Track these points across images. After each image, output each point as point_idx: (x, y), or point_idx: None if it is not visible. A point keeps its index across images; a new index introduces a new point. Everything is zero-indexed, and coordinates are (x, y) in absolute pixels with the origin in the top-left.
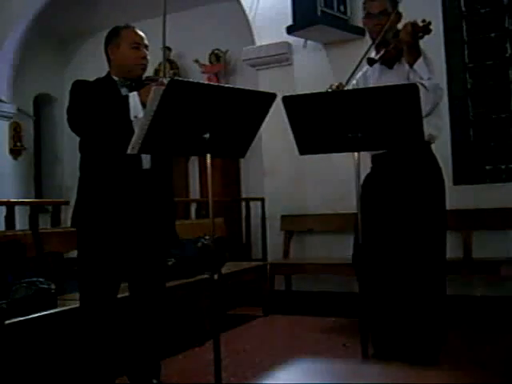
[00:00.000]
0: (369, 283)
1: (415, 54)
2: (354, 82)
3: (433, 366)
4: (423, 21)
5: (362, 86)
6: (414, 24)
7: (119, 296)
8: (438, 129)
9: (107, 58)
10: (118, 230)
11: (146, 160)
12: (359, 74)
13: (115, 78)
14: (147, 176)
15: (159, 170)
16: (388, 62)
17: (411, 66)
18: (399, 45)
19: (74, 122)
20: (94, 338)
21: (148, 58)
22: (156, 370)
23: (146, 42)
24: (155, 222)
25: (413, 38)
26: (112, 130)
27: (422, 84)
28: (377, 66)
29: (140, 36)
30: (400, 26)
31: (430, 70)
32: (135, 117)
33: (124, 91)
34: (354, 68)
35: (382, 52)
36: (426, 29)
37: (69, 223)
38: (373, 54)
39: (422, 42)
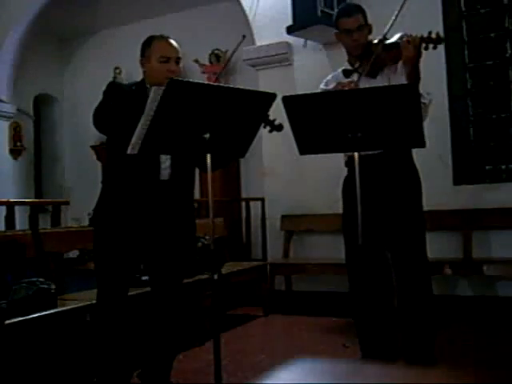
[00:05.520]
0: (359, 284)
1: (418, 76)
2: (323, 86)
3: (432, 366)
4: (429, 33)
5: None
6: (423, 38)
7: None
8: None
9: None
10: (130, 234)
11: (165, 171)
12: (329, 79)
13: (147, 86)
14: (165, 187)
15: (179, 181)
16: (372, 72)
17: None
18: (405, 61)
19: (98, 122)
20: (108, 334)
21: (180, 69)
22: (167, 370)
23: (178, 54)
24: (173, 233)
25: (418, 53)
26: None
27: (423, 102)
28: (356, 77)
29: (171, 49)
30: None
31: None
32: None
33: None
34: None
35: (365, 66)
36: (438, 39)
37: (68, 223)
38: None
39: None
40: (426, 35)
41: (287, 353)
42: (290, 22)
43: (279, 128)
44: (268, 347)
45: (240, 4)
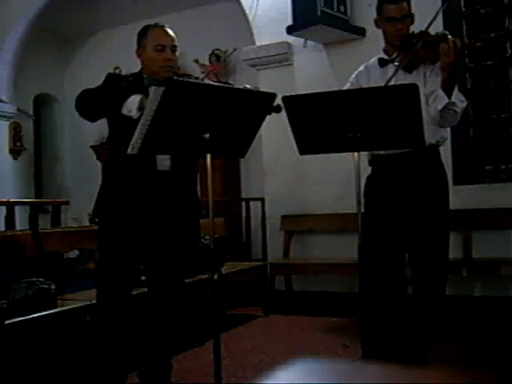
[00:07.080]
0: (371, 283)
1: (453, 84)
2: (353, 79)
3: (432, 366)
4: (472, 41)
5: (366, 85)
6: (465, 43)
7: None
8: (446, 132)
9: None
10: (132, 228)
11: (163, 162)
12: (362, 70)
13: (144, 77)
14: (165, 177)
15: (180, 171)
16: (407, 67)
17: (442, 88)
18: (443, 67)
19: (78, 105)
20: (109, 333)
21: (176, 57)
22: (168, 369)
23: (174, 42)
24: (173, 223)
25: (458, 59)
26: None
27: (455, 110)
28: (391, 68)
29: (166, 37)
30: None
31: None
32: (129, 112)
33: None
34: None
35: (404, 59)
36: (477, 46)
37: (68, 223)
38: (380, 54)
39: None
40: (468, 42)
41: (287, 353)
42: (289, 21)
43: (277, 109)
44: (268, 347)
45: (240, 4)
